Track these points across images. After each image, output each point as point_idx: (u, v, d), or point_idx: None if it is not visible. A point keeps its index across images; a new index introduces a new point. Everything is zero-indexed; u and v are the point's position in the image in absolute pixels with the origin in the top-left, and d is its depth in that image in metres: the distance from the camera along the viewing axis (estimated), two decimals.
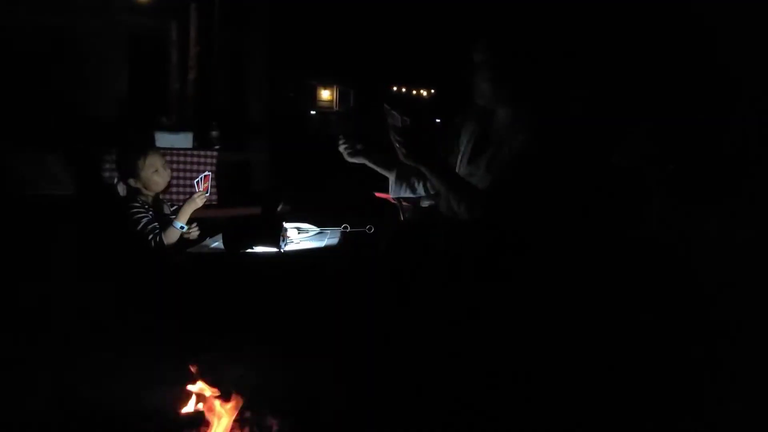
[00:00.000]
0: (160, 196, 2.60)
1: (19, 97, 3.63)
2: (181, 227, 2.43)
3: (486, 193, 1.91)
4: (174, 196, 3.45)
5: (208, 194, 2.48)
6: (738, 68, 3.71)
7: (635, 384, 1.92)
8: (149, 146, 2.59)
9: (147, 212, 2.43)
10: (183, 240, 2.48)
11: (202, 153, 3.92)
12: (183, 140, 3.91)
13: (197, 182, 2.49)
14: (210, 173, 2.50)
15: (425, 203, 2.52)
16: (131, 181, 2.47)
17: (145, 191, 2.50)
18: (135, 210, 2.40)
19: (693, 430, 1.76)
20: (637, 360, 2.04)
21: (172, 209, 2.60)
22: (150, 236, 2.37)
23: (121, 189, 2.52)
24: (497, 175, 1.91)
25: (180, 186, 3.70)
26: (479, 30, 2.03)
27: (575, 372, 1.89)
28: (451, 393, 1.76)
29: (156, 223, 2.42)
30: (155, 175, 2.48)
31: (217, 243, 2.26)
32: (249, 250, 2.10)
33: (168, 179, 2.55)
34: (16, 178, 3.04)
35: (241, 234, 2.11)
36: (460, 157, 2.11)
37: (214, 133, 4.35)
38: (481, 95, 2.03)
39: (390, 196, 2.39)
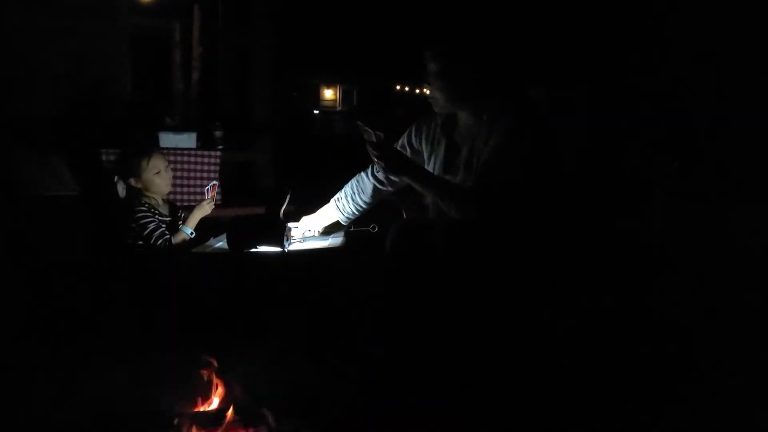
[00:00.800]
0: (164, 198, 2.60)
1: (22, 97, 3.65)
2: (191, 233, 2.45)
3: (473, 191, 1.91)
4: (178, 197, 3.46)
5: (214, 202, 2.52)
6: (740, 68, 3.70)
7: (636, 383, 1.92)
8: (154, 147, 2.60)
9: (153, 216, 2.43)
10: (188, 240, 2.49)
11: (205, 153, 3.92)
12: (187, 140, 3.91)
13: (207, 189, 2.52)
14: (217, 182, 2.53)
15: (428, 201, 2.51)
16: (132, 181, 2.48)
17: (147, 193, 2.50)
18: (141, 215, 2.40)
19: (692, 430, 1.76)
20: (637, 358, 2.04)
21: (180, 215, 2.60)
22: (159, 242, 2.38)
23: (121, 188, 2.52)
24: (481, 174, 1.91)
25: (184, 186, 3.70)
26: (429, 39, 2.03)
27: (575, 370, 1.90)
28: (453, 391, 1.77)
29: (164, 229, 2.43)
30: (157, 177, 2.49)
31: (221, 242, 2.27)
32: (253, 250, 2.10)
33: (170, 182, 2.56)
34: (21, 178, 3.06)
35: (245, 233, 2.12)
36: (432, 167, 2.11)
37: (218, 133, 4.35)
38: (437, 103, 2.04)
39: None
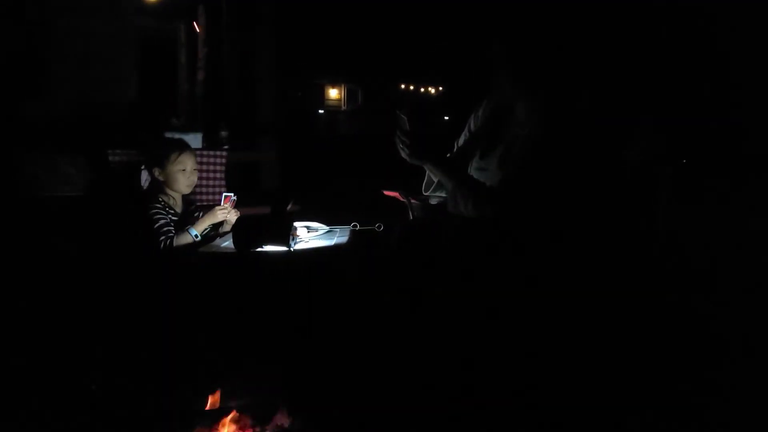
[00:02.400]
0: (184, 199, 2.60)
1: (29, 98, 3.67)
2: (195, 235, 2.45)
3: (496, 190, 1.91)
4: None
5: (227, 212, 2.52)
6: (748, 67, 3.69)
7: (643, 381, 1.91)
8: (187, 146, 2.61)
9: (166, 215, 2.44)
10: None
11: (211, 153, 3.93)
12: (192, 140, 3.92)
13: (223, 198, 2.52)
14: (235, 197, 2.54)
15: (434, 200, 2.52)
16: (155, 171, 2.49)
17: (167, 189, 2.50)
18: (155, 210, 2.42)
19: (698, 428, 1.76)
20: (645, 356, 2.04)
21: (196, 215, 2.59)
22: (161, 237, 2.39)
23: (144, 178, 2.53)
24: (508, 173, 1.92)
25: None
26: (497, 24, 2.04)
27: (587, 368, 1.89)
28: (462, 393, 1.77)
29: (171, 227, 2.44)
30: (181, 174, 2.49)
31: (227, 243, 2.28)
32: (259, 249, 2.11)
33: (191, 185, 2.56)
34: (29, 179, 3.08)
35: (251, 233, 2.13)
36: (470, 150, 2.12)
37: (224, 133, 4.37)
38: (499, 89, 2.05)
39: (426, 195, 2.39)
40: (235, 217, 2.53)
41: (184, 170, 2.50)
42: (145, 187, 2.54)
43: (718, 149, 3.69)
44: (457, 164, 2.08)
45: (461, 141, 2.24)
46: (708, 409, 1.81)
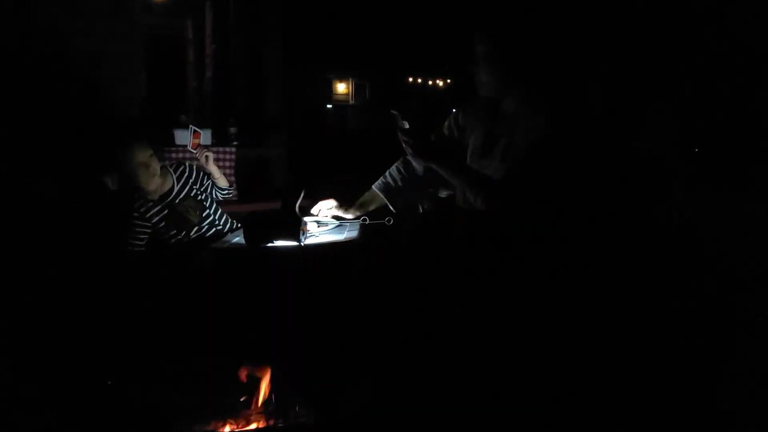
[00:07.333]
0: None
1: (37, 99, 3.69)
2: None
3: (504, 182, 1.90)
4: None
5: (195, 152, 2.42)
6: (759, 55, 3.64)
7: (654, 374, 1.90)
8: (132, 141, 2.54)
9: (142, 225, 2.38)
10: (204, 238, 2.50)
11: (220, 149, 3.96)
12: (202, 137, 3.94)
13: (191, 136, 2.40)
14: (199, 130, 2.44)
15: (443, 194, 2.52)
16: (114, 176, 2.46)
17: (137, 186, 2.47)
18: (131, 223, 2.39)
19: (707, 419, 1.75)
20: (655, 349, 2.03)
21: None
22: (130, 247, 2.36)
23: (110, 181, 2.50)
24: (514, 164, 1.91)
25: None
26: (480, 21, 2.03)
27: (597, 361, 1.89)
28: (472, 385, 1.77)
29: (141, 243, 2.38)
30: (139, 168, 2.44)
31: (237, 238, 2.29)
32: (269, 245, 2.11)
33: (156, 173, 2.50)
34: (37, 178, 3.10)
35: (261, 228, 2.13)
36: (470, 151, 2.11)
37: (233, 129, 4.38)
38: (487, 87, 2.03)
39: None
40: (212, 164, 2.46)
41: (140, 163, 2.46)
42: (114, 189, 2.50)
43: (733, 138, 3.64)
44: (462, 162, 2.07)
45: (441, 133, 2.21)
46: (725, 404, 1.79)
